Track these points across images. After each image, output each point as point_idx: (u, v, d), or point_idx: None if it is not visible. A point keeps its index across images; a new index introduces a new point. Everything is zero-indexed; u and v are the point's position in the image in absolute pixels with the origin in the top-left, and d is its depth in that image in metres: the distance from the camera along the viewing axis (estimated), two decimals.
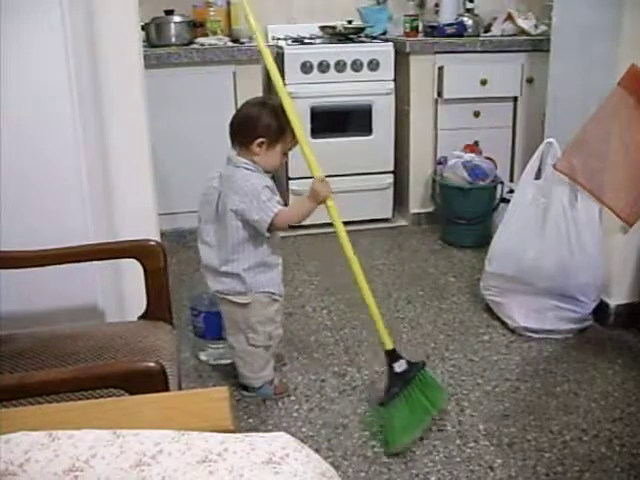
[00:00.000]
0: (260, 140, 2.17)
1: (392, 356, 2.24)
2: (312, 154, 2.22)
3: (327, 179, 2.24)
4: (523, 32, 4.13)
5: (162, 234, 2.52)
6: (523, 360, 2.64)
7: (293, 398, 2.41)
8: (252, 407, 2.35)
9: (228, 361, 2.61)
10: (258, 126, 2.17)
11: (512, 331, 2.80)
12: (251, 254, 2.24)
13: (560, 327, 2.76)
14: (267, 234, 2.19)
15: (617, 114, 2.63)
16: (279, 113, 2.17)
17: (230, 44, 3.80)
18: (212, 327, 2.60)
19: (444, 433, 2.22)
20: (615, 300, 2.85)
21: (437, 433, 2.22)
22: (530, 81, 4.00)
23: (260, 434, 0.88)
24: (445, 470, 2.05)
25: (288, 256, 3.65)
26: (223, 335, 2.59)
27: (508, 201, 3.08)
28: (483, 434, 2.21)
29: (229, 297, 2.30)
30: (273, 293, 2.30)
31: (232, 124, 2.25)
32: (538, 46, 3.90)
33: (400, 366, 2.22)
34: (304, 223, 3.90)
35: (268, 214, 2.14)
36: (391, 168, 4.06)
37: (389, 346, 2.25)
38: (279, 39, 4.10)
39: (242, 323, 2.32)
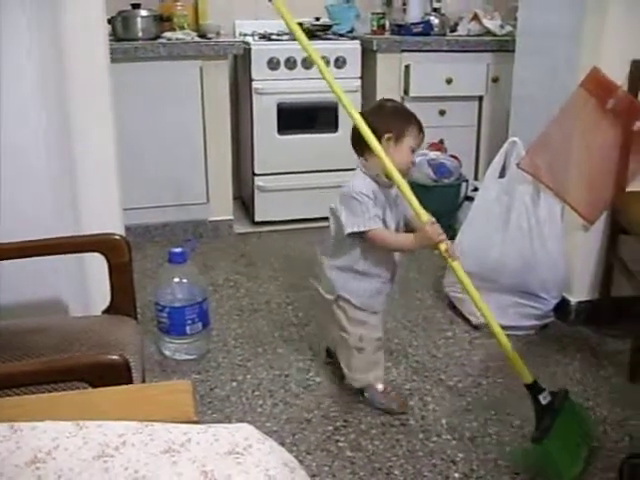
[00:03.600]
0: (387, 135, 2.10)
1: (535, 389, 2.10)
2: (412, 194, 2.08)
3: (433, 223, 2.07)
4: (489, 32, 4.18)
5: (127, 229, 2.50)
6: (485, 356, 2.67)
7: (257, 393, 2.41)
8: (216, 402, 2.35)
9: (192, 356, 2.61)
10: (382, 122, 2.11)
11: (475, 327, 2.83)
12: (342, 256, 2.21)
13: (522, 323, 2.80)
14: (351, 238, 2.13)
15: (579, 115, 2.68)
16: (400, 110, 2.17)
17: (197, 39, 3.78)
18: (177, 322, 2.59)
19: (407, 428, 2.24)
20: (576, 297, 2.90)
21: (400, 427, 2.24)
22: (495, 81, 4.04)
23: (223, 425, 0.89)
24: (408, 464, 2.07)
25: (253, 252, 3.67)
26: (187, 331, 2.60)
27: (472, 199, 3.11)
28: (446, 428, 2.24)
29: (322, 291, 2.31)
30: (351, 303, 2.23)
31: (353, 134, 2.20)
32: (503, 46, 3.94)
33: (545, 398, 2.08)
34: (271, 219, 3.96)
35: (352, 226, 2.09)
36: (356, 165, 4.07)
37: (529, 380, 2.11)
38: (246, 35, 4.09)
39: (337, 320, 2.29)
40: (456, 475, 2.03)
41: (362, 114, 2.16)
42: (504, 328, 2.77)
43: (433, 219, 2.06)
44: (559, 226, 2.76)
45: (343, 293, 2.23)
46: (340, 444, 2.16)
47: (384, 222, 2.14)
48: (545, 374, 2.55)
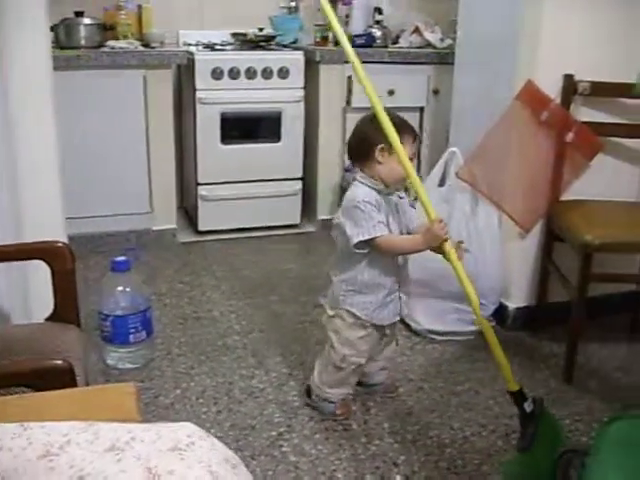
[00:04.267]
0: (381, 146, 2.08)
1: (520, 397, 2.07)
2: (423, 189, 2.05)
3: (441, 223, 2.04)
4: (430, 45, 4.27)
5: (70, 239, 2.49)
6: (426, 361, 2.73)
7: (201, 401, 2.42)
8: (160, 410, 2.35)
9: (136, 365, 2.61)
10: (377, 133, 2.05)
11: (416, 334, 2.89)
12: (347, 269, 2.18)
13: (462, 329, 2.86)
14: (357, 250, 2.10)
15: (515, 126, 2.76)
16: (394, 120, 2.06)
17: (141, 48, 3.77)
18: (120, 331, 2.59)
19: (350, 432, 2.28)
20: (514, 303, 2.98)
21: (343, 432, 2.27)
22: (436, 92, 4.13)
23: (166, 424, 0.91)
24: (351, 467, 2.11)
25: (197, 261, 3.67)
26: (131, 339, 2.59)
27: (414, 208, 3.17)
28: (388, 432, 2.28)
29: (325, 306, 2.30)
30: (358, 317, 2.21)
31: (350, 141, 2.22)
32: (444, 59, 4.03)
33: (529, 406, 2.07)
34: (214, 228, 3.97)
35: (358, 235, 2.07)
36: (300, 175, 4.12)
37: (515, 387, 2.07)
38: (190, 45, 4.10)
39: (328, 332, 2.29)
40: (398, 477, 2.08)
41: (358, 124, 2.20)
42: (444, 334, 2.87)
43: (441, 217, 2.06)
44: (497, 234, 2.84)
45: (348, 307, 2.21)
46: (284, 449, 2.18)
47: (388, 228, 2.13)
48: (484, 377, 2.63)
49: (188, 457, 0.83)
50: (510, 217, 2.83)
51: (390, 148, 2.06)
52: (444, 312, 2.83)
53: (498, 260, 2.85)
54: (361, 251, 2.11)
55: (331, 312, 2.26)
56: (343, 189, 4.00)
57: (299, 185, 4.13)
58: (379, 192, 2.13)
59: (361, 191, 2.12)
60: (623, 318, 3.09)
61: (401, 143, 2.02)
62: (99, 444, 0.85)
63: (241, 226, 4.04)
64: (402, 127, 2.08)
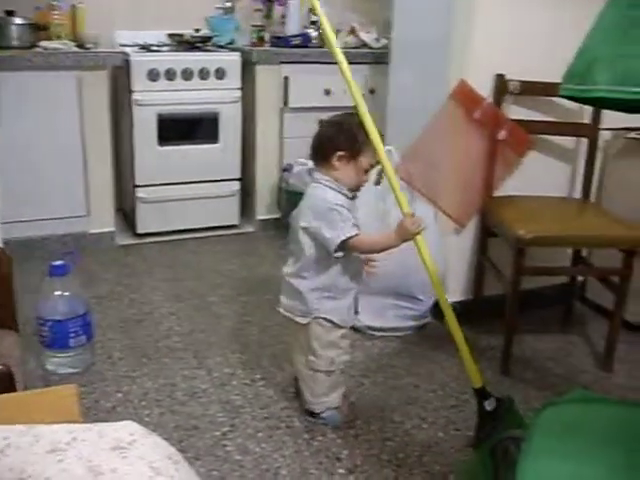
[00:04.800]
0: (340, 154, 2.10)
1: (482, 394, 2.12)
2: (398, 186, 2.12)
3: (415, 217, 2.11)
4: (365, 45, 4.32)
5: (6, 243, 2.46)
6: (367, 357, 2.77)
7: (144, 403, 2.41)
8: (102, 414, 2.33)
9: (77, 369, 2.58)
10: (338, 139, 2.11)
11: (356, 330, 2.93)
12: (320, 276, 2.17)
13: (401, 324, 2.92)
14: (336, 254, 2.09)
15: (448, 125, 2.82)
16: (360, 127, 2.08)
17: (75, 49, 3.72)
18: (59, 337, 2.56)
19: (293, 429, 2.30)
20: (451, 297, 3.00)
21: (286, 429, 2.29)
22: (372, 92, 4.17)
23: (108, 423, 0.91)
24: (295, 464, 2.13)
25: (136, 263, 3.65)
26: (71, 344, 2.56)
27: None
28: (330, 428, 2.31)
29: (291, 315, 2.25)
30: (333, 322, 2.21)
31: (313, 140, 2.19)
32: (380, 58, 4.08)
33: (490, 404, 2.11)
34: (153, 230, 3.94)
35: (340, 235, 2.05)
36: (238, 175, 4.12)
37: (478, 384, 2.12)
38: (126, 46, 4.06)
39: (304, 345, 2.25)
40: (341, 471, 2.11)
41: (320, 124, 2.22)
42: (384, 330, 2.91)
43: (413, 212, 2.09)
44: (433, 230, 2.89)
45: (323, 314, 2.19)
46: (228, 448, 2.19)
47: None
48: (423, 371, 2.68)
49: (130, 455, 0.84)
50: (445, 213, 2.89)
51: (351, 156, 2.10)
52: (383, 308, 2.88)
53: (435, 256, 2.89)
54: (339, 254, 2.10)
55: (303, 321, 2.22)
56: (281, 189, 4.03)
57: (237, 186, 4.13)
58: (345, 195, 2.14)
59: (331, 194, 2.12)
60: (556, 310, 3.19)
61: (361, 155, 2.10)
62: (40, 446, 0.86)
63: (180, 228, 4.03)
64: (366, 138, 2.09)
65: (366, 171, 2.16)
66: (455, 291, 3.04)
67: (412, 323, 2.94)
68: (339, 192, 2.13)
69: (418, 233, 2.07)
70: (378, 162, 2.14)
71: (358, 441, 2.25)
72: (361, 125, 2.07)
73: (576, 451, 1.67)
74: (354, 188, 2.17)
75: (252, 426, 2.31)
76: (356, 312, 2.31)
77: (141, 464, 0.83)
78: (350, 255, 2.15)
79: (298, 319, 2.23)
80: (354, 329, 2.92)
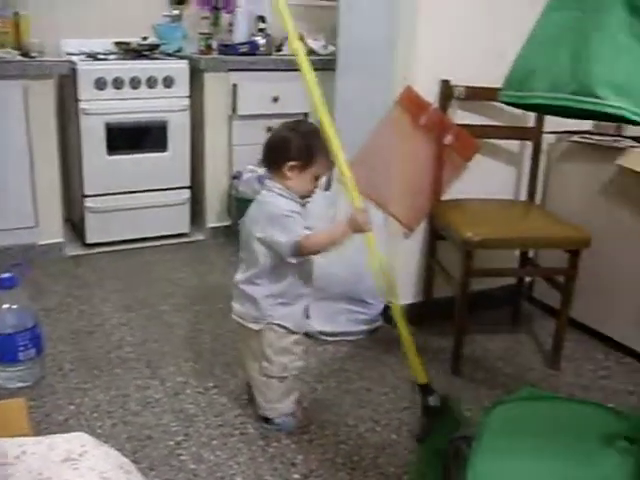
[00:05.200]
0: (292, 163, 2.11)
1: (427, 390, 2.19)
2: (353, 181, 2.12)
3: (365, 209, 2.14)
4: (313, 52, 4.35)
5: None
6: (319, 362, 2.78)
7: (96, 415, 2.39)
8: (54, 428, 2.31)
9: (27, 383, 2.55)
10: (290, 149, 2.11)
11: (309, 336, 2.94)
12: (274, 283, 2.17)
13: (353, 329, 2.94)
14: (291, 259, 2.10)
15: (395, 130, 2.86)
16: (312, 136, 2.10)
17: (20, 58, 3.66)
18: (8, 350, 2.52)
19: (247, 436, 2.30)
20: (402, 300, 3.06)
21: (240, 437, 2.30)
22: None
23: (59, 435, 0.91)
24: (250, 470, 2.13)
25: (86, 274, 3.61)
26: (20, 357, 2.53)
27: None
28: (284, 433, 2.32)
29: (243, 322, 2.24)
30: (287, 328, 2.22)
31: (264, 148, 2.20)
32: (327, 65, 4.09)
33: (434, 400, 2.18)
34: (103, 240, 3.91)
35: (294, 237, 2.06)
36: (187, 183, 4.11)
37: (424, 380, 2.18)
38: (72, 54, 4.02)
39: (257, 351, 2.24)
40: (296, 476, 2.12)
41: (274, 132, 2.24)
42: (336, 334, 2.93)
43: (364, 207, 2.10)
44: (382, 235, 2.92)
45: (277, 320, 2.20)
46: (182, 457, 2.19)
47: None
48: (375, 374, 2.71)
49: (81, 466, 0.85)
50: (394, 218, 2.93)
51: (303, 166, 2.11)
52: (334, 313, 2.90)
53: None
54: (293, 260, 2.10)
55: (256, 327, 2.22)
56: (231, 197, 4.02)
57: (187, 194, 4.12)
58: (297, 202, 2.16)
59: (283, 202, 2.13)
60: (505, 310, 3.25)
61: (312, 164, 2.13)
62: None
63: (130, 237, 4.00)
64: (318, 147, 2.11)
65: (317, 178, 2.18)
66: (405, 294, 3.07)
67: (364, 327, 2.97)
68: (291, 200, 2.14)
69: (367, 229, 2.09)
70: (330, 169, 2.19)
71: (312, 446, 2.27)
72: (314, 132, 2.10)
73: (524, 448, 1.71)
74: (306, 195, 2.19)
75: (206, 434, 2.30)
76: (307, 317, 2.33)
77: (92, 475, 0.83)
78: (304, 260, 2.17)
79: (251, 325, 2.23)
80: (306, 335, 2.95)
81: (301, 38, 4.35)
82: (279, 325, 2.21)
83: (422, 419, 2.23)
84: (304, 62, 2.13)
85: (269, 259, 2.15)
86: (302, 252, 2.10)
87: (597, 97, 1.13)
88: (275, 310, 2.19)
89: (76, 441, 0.89)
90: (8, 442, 0.89)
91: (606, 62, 1.14)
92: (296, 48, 2.14)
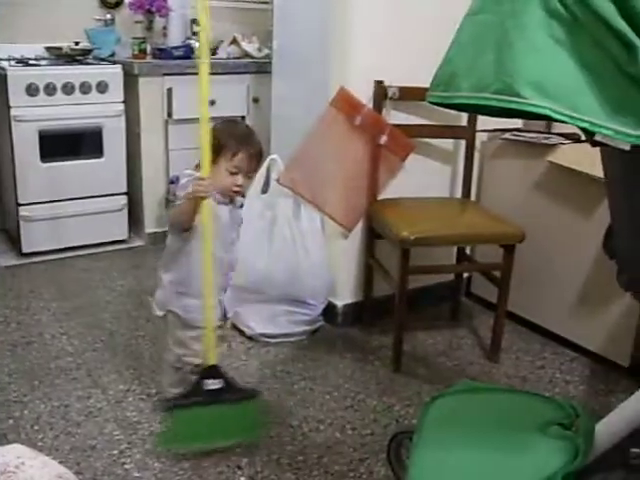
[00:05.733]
0: (197, 162, 2.11)
1: (209, 372, 2.17)
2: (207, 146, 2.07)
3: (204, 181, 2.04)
4: (247, 55, 4.36)
5: None
6: (261, 364, 2.79)
7: (37, 427, 2.35)
8: None
9: None
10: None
11: (250, 338, 2.95)
12: (173, 270, 2.22)
13: (294, 330, 2.96)
14: (172, 236, 2.19)
15: (331, 131, 2.89)
16: (222, 131, 2.15)
17: None
18: None
19: None
20: (341, 300, 3.10)
21: None
22: (256, 101, 4.21)
23: None
24: (195, 475, 2.13)
25: (22, 284, 3.55)
26: None
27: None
28: None
29: (154, 308, 2.28)
30: (184, 320, 2.23)
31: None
32: (262, 68, 4.12)
33: (212, 384, 2.16)
34: (39, 249, 3.84)
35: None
36: (124, 189, 4.07)
37: (211, 362, 2.17)
38: (1, 60, 3.93)
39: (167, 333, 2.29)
40: (242, 479, 2.13)
41: None
42: (277, 336, 2.94)
43: (205, 176, 2.04)
44: (320, 236, 2.95)
45: (174, 309, 2.23)
46: (127, 466, 2.17)
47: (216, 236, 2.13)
48: (318, 374, 2.73)
49: (18, 478, 0.84)
50: (332, 218, 2.96)
51: (212, 159, 2.10)
52: (275, 315, 2.91)
53: (323, 260, 2.96)
54: (174, 237, 2.18)
55: (160, 313, 2.28)
56: (169, 201, 4.00)
57: (124, 200, 4.08)
58: (213, 198, 2.14)
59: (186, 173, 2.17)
60: (444, 306, 3.31)
61: (221, 156, 2.12)
62: None
63: (67, 245, 3.94)
64: (226, 139, 2.14)
65: (233, 173, 2.15)
66: (345, 294, 3.10)
67: (305, 328, 2.99)
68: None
69: (203, 198, 2.04)
70: (248, 167, 2.17)
71: (257, 448, 2.27)
72: (228, 127, 2.20)
73: (462, 439, 1.76)
74: (224, 192, 2.18)
75: (150, 441, 2.29)
76: (225, 317, 2.36)
77: None
78: (198, 251, 2.14)
79: (157, 311, 2.29)
80: (249, 337, 2.96)
81: (235, 41, 4.37)
82: (174, 313, 2.24)
83: (186, 392, 2.20)
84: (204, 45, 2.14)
85: (169, 241, 2.22)
86: (169, 222, 2.23)
87: (520, 97, 1.17)
88: (176, 298, 2.23)
89: (12, 453, 0.88)
90: None
91: (527, 62, 1.18)
92: (204, 24, 2.15)
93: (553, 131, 2.98)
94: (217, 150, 2.12)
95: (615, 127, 1.16)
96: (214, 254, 2.15)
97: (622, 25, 1.13)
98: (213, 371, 2.17)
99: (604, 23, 1.14)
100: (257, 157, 2.20)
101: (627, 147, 1.23)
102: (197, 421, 2.15)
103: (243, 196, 2.29)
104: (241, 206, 2.29)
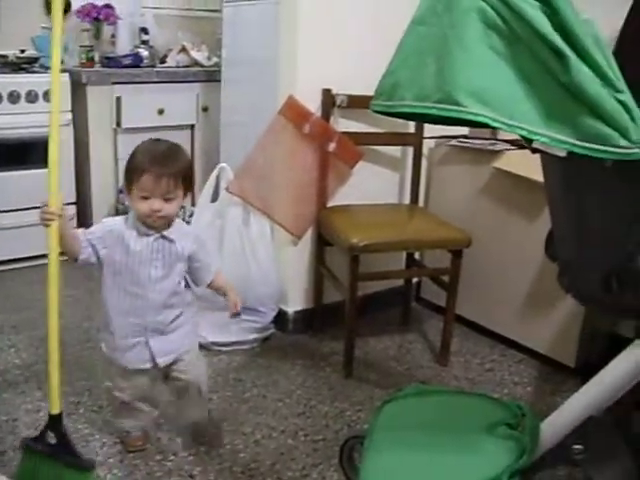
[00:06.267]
0: (125, 183, 2.02)
1: (50, 422, 1.95)
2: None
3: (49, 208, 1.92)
4: (197, 63, 4.36)
5: None
6: (214, 372, 2.78)
7: None
8: None
9: None
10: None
11: (201, 347, 2.93)
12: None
13: (245, 338, 2.96)
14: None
15: (279, 139, 2.91)
16: (135, 156, 1.98)
17: None
18: None
19: (144, 452, 2.27)
20: (292, 307, 3.12)
21: (137, 453, 2.26)
22: (205, 109, 4.22)
23: None
24: None
25: None
26: None
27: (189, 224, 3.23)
28: (181, 446, 2.31)
29: None
30: (102, 348, 2.16)
31: None
32: (212, 76, 4.13)
33: (50, 437, 1.94)
34: None
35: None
36: (73, 199, 4.01)
37: (52, 410, 1.94)
38: None
39: None
40: None
41: None
42: (229, 344, 2.95)
43: (46, 205, 1.92)
44: (270, 243, 2.97)
45: (100, 338, 2.18)
46: None
47: (115, 263, 2.04)
48: (270, 381, 2.74)
49: None
50: (281, 226, 2.97)
51: (127, 187, 2.01)
52: (226, 323, 2.90)
53: (273, 268, 2.97)
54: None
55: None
56: (118, 210, 3.98)
57: (73, 210, 4.03)
58: (138, 232, 2.02)
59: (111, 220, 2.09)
60: (395, 311, 3.35)
61: (133, 183, 1.95)
62: None
63: (15, 256, 3.88)
64: (137, 165, 1.96)
65: (143, 198, 1.95)
66: (295, 301, 3.12)
67: (256, 335, 2.99)
68: (125, 222, 2.04)
69: (46, 225, 1.93)
70: (169, 194, 1.96)
71: (210, 456, 2.27)
72: (140, 149, 2.00)
73: (412, 442, 1.79)
74: (142, 220, 2.00)
75: (102, 453, 2.27)
76: (153, 361, 2.14)
77: None
78: (111, 288, 2.07)
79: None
80: (200, 346, 2.94)
81: (184, 49, 4.37)
82: (102, 346, 2.18)
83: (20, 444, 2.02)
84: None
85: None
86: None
87: (459, 105, 1.20)
88: (103, 329, 2.16)
89: None
90: None
91: (467, 72, 1.22)
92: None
93: (499, 138, 3.04)
94: (128, 173, 1.98)
95: (551, 134, 1.20)
96: (128, 290, 2.04)
97: (555, 37, 1.17)
98: (53, 423, 1.95)
99: (539, 36, 1.18)
100: (170, 177, 1.93)
101: (563, 154, 1.27)
102: (35, 471, 1.97)
103: (188, 222, 2.22)
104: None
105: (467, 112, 1.21)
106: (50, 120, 1.89)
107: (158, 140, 2.08)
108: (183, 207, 3.85)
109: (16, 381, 2.70)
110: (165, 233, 2.02)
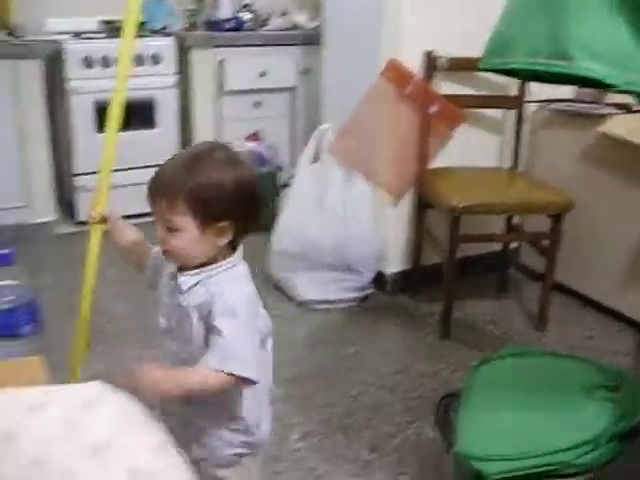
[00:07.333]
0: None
1: None
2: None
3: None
4: (297, 27, 4.38)
5: None
6: (310, 330, 2.85)
7: None
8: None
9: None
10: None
11: (300, 304, 3.00)
12: None
13: (344, 296, 3.01)
14: None
15: (381, 101, 2.92)
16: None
17: (5, 37, 3.65)
18: (8, 325, 2.56)
19: None
20: (391, 268, 3.14)
21: None
22: (306, 72, 4.24)
23: (75, 384, 0.98)
24: None
25: (77, 252, 3.62)
26: (20, 332, 2.57)
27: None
28: (280, 398, 2.37)
29: None
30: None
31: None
32: (312, 39, 4.13)
33: None
34: None
35: None
36: None
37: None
38: (59, 33, 4.02)
39: None
40: (295, 436, 2.20)
41: None
42: (326, 302, 2.99)
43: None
44: (370, 204, 2.99)
45: None
46: None
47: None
48: (367, 340, 2.78)
49: (99, 413, 0.91)
50: (381, 187, 2.99)
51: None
52: (325, 281, 2.96)
53: (373, 229, 3.00)
54: None
55: None
56: None
57: None
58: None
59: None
60: (492, 276, 3.32)
61: None
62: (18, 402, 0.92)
63: (122, 214, 4.02)
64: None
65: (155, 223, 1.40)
66: (394, 262, 3.14)
67: (355, 294, 3.03)
68: None
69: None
70: (165, 217, 1.34)
71: (309, 408, 2.34)
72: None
73: (508, 401, 1.80)
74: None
75: None
76: None
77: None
78: None
79: None
80: (297, 303, 3.00)
81: (284, 13, 4.40)
82: None
83: None
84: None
85: None
86: None
87: (570, 59, 1.19)
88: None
89: (92, 388, 0.96)
90: (30, 390, 0.96)
91: (580, 27, 1.20)
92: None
93: (604, 102, 2.96)
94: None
95: None
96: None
97: None
98: None
99: None
100: (163, 198, 1.33)
101: None
102: None
103: (186, 268, 1.37)
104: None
105: (579, 67, 1.19)
106: (109, 112, 1.74)
107: (211, 145, 1.45)
108: (280, 169, 3.89)
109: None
110: (179, 273, 1.37)
